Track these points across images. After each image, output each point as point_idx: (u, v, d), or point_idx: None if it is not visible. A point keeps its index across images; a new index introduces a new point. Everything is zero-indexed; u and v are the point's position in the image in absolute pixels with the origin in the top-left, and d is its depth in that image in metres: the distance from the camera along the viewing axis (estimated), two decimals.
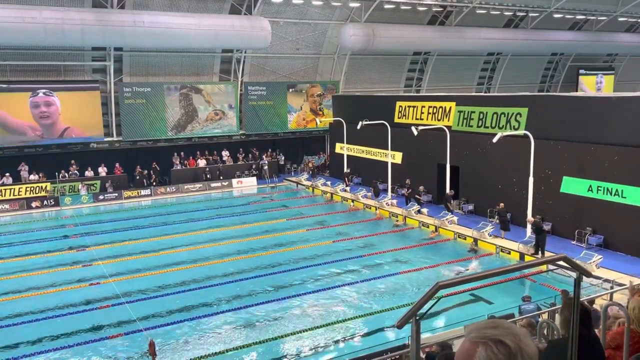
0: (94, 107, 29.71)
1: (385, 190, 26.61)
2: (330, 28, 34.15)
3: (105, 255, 19.23)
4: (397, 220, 23.62)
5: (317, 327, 13.24)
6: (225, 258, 18.76)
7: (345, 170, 29.68)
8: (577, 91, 41.86)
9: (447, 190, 22.99)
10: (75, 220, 25.25)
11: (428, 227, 22.08)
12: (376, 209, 25.27)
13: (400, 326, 2.88)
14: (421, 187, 24.69)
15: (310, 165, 35.25)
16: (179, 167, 32.20)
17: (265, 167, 33.49)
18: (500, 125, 22.20)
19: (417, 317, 2.91)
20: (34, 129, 28.78)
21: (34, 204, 27.48)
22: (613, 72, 48.51)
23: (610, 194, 18.06)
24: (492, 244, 19.21)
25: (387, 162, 26.35)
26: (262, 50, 32.50)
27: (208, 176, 32.04)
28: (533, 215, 18.93)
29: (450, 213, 22.16)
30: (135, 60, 30.62)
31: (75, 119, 29.43)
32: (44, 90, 28.65)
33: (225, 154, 33.95)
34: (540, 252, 17.33)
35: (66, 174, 29.33)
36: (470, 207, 23.35)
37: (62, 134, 29.49)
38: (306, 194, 30.60)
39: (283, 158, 35.94)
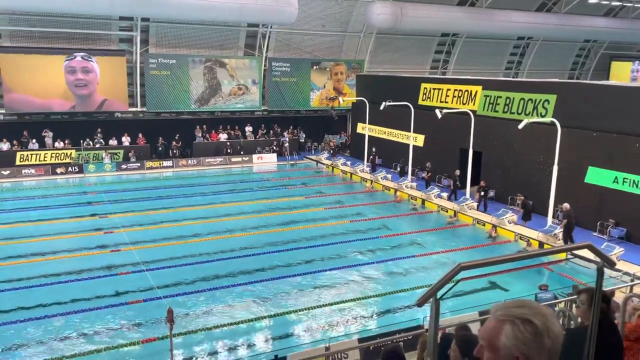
0: (121, 76, 29.99)
1: (406, 173, 26.49)
2: (357, 6, 33.65)
3: (127, 224, 19.57)
4: (414, 204, 23.53)
5: (330, 304, 13.38)
6: (243, 232, 18.99)
7: (371, 150, 29.41)
8: (608, 80, 40.77)
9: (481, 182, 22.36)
10: (98, 187, 25.71)
11: (447, 211, 21.98)
12: (395, 192, 25.20)
13: (420, 304, 2.90)
14: (457, 171, 23.69)
15: (331, 144, 35.20)
16: (201, 140, 32.44)
17: (286, 144, 33.54)
18: (527, 112, 21.81)
19: (437, 297, 2.93)
20: (65, 103, 29.07)
21: (58, 170, 28.02)
22: None
23: (636, 186, 17.71)
24: (512, 232, 19.06)
25: (408, 145, 26.16)
26: (288, 26, 32.25)
27: (229, 150, 32.23)
28: (555, 205, 18.73)
29: (479, 203, 21.91)
30: (162, 31, 30.67)
31: (103, 88, 29.78)
32: (82, 54, 28.88)
33: (248, 129, 34.05)
34: (569, 240, 17.13)
35: (91, 142, 29.77)
36: (491, 193, 23.10)
37: (100, 106, 29.85)
38: (326, 173, 30.62)
39: (304, 136, 35.88)
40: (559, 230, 17.88)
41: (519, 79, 36.49)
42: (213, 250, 16.95)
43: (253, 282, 14.65)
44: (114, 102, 30.22)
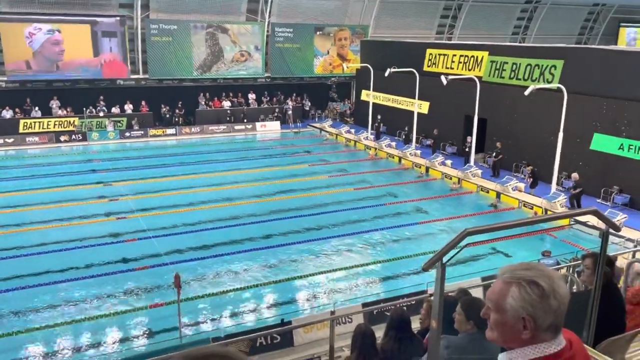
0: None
1: (410, 140, 26.36)
2: None
3: (132, 191, 19.69)
4: (420, 172, 23.53)
5: (335, 270, 13.56)
6: (247, 199, 19.08)
7: (376, 118, 29.27)
8: (616, 45, 40.07)
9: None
10: (102, 155, 25.76)
11: (451, 178, 21.99)
12: (400, 159, 25.17)
13: (426, 269, 2.94)
14: (469, 138, 23.00)
15: (343, 110, 35.10)
16: (204, 108, 32.28)
17: (290, 112, 33.36)
18: (534, 78, 21.56)
19: (443, 262, 2.97)
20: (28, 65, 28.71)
21: (62, 138, 28.04)
22: None
23: None
24: (515, 199, 19.11)
25: (413, 112, 25.97)
26: None
27: (230, 118, 32.02)
28: (560, 172, 18.72)
29: (493, 167, 22.08)
30: None
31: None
32: (48, 28, 28.45)
33: (251, 96, 33.82)
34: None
35: (94, 110, 29.68)
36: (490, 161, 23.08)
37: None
38: (329, 141, 30.55)
39: (309, 104, 35.60)
40: (563, 198, 17.91)
41: (525, 44, 35.90)
42: (218, 217, 17.08)
43: (258, 249, 14.81)
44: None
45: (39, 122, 28.27)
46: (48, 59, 28.84)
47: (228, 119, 32.02)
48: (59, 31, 28.62)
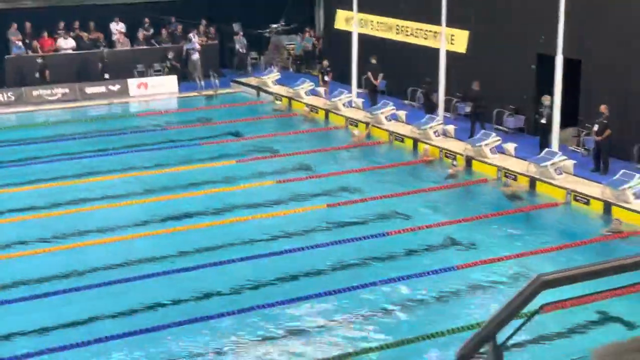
0: None
1: (435, 108, 26.38)
2: None
3: None
4: (453, 166, 23.86)
5: None
6: (111, 233, 19.07)
7: (368, 63, 29.54)
8: None
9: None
10: None
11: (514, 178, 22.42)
12: (415, 143, 25.40)
13: (465, 357, 3.00)
14: (546, 98, 23.53)
15: (299, 52, 35.41)
16: (22, 52, 31.99)
17: (195, 57, 33.29)
18: None
19: (497, 344, 2.98)
20: None
21: None
22: None
23: None
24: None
25: (438, 50, 26.22)
26: None
27: (46, 76, 31.81)
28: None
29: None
30: None
31: None
32: None
33: (116, 27, 33.70)
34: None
35: None
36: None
37: None
38: (277, 111, 30.76)
39: (245, 42, 35.82)
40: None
41: None
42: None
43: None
44: None
45: None
46: None
47: (45, 75, 31.78)
48: None
